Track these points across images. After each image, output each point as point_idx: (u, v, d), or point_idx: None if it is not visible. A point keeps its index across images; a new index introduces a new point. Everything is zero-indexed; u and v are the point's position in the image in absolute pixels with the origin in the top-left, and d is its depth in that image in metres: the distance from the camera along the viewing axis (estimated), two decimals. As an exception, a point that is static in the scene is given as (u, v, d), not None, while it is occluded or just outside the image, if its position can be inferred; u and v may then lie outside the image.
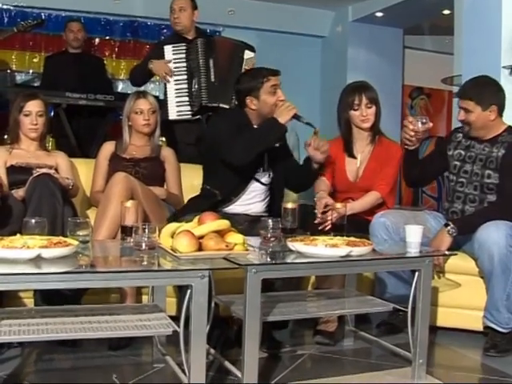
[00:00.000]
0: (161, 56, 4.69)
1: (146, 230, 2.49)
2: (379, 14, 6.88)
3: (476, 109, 3.36)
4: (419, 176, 3.70)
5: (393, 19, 6.95)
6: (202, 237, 2.51)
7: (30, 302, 3.18)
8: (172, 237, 2.58)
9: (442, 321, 3.48)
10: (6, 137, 4.75)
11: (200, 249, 2.48)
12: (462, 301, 3.44)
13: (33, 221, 2.58)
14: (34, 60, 6.53)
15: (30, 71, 6.55)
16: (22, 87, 5.67)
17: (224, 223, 2.61)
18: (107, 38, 6.77)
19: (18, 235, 2.47)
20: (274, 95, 3.49)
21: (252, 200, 3.62)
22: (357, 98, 3.69)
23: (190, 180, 4.09)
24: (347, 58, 7.05)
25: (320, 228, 3.42)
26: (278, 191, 3.71)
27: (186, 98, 4.63)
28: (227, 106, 4.49)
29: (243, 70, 4.57)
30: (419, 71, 7.54)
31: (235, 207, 3.60)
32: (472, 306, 3.40)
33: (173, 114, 4.64)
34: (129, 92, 6.06)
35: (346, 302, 3.06)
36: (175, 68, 4.64)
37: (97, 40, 6.71)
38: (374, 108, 3.71)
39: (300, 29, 7.26)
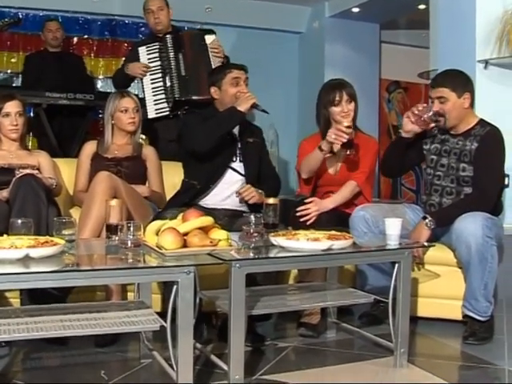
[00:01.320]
0: (137, 58, 4.81)
1: (131, 228, 2.53)
2: (356, 10, 6.91)
3: (451, 96, 3.42)
4: (397, 166, 3.77)
5: (369, 14, 6.97)
6: (186, 234, 2.55)
7: (16, 301, 3.20)
8: (157, 234, 2.62)
9: (422, 311, 3.55)
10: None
11: (185, 245, 2.52)
12: (441, 291, 3.52)
13: (19, 221, 2.61)
14: (12, 60, 6.48)
15: (9, 71, 6.51)
16: (1, 88, 5.67)
17: (208, 220, 2.66)
18: (85, 36, 6.74)
19: (5, 236, 2.50)
20: (236, 87, 3.73)
21: (229, 190, 3.73)
22: (337, 95, 3.73)
23: (172, 177, 4.14)
24: (324, 53, 7.05)
25: (302, 220, 3.49)
26: (253, 185, 3.77)
27: (163, 96, 4.73)
28: (200, 97, 4.56)
29: (211, 56, 4.69)
30: (396, 65, 7.60)
31: (213, 198, 3.72)
32: (451, 296, 3.48)
33: (151, 113, 4.73)
34: (108, 90, 6.13)
35: (328, 295, 3.10)
36: (150, 68, 4.72)
37: (75, 39, 6.67)
38: (353, 104, 3.77)
39: (277, 25, 7.25)
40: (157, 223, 2.72)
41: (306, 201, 3.60)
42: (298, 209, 3.55)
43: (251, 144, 3.85)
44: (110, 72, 6.62)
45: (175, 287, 2.32)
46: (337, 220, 3.47)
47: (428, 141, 3.66)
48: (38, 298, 2.94)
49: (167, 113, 4.72)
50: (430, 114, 3.42)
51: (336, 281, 3.30)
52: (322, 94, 3.82)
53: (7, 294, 3.22)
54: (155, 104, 4.73)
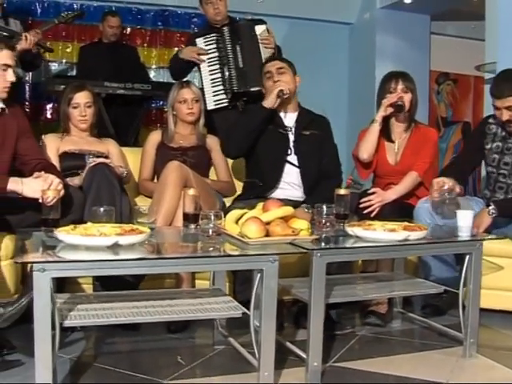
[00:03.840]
0: None
1: (212, 217, 2.58)
2: (407, 1, 6.82)
3: None
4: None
5: (420, 5, 6.92)
6: (268, 223, 2.59)
7: (88, 287, 3.28)
8: (236, 223, 2.68)
9: (485, 303, 3.49)
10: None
11: (267, 234, 2.56)
12: (505, 283, 3.53)
13: (101, 209, 2.66)
14: (67, 50, 6.56)
15: (64, 61, 6.58)
16: (59, 78, 5.76)
17: (289, 210, 2.70)
18: (138, 27, 6.80)
19: (90, 223, 2.56)
20: (269, 80, 3.80)
21: (290, 185, 3.73)
22: (393, 83, 3.80)
23: (235, 166, 4.18)
24: (375, 45, 7.01)
25: (365, 212, 3.53)
26: (310, 177, 3.76)
27: (221, 87, 4.71)
28: (257, 89, 4.57)
29: (261, 47, 4.69)
30: (445, 57, 7.54)
31: (277, 194, 3.71)
32: (514, 289, 3.49)
33: (210, 104, 4.69)
34: (161, 80, 6.19)
35: (397, 285, 3.15)
36: (208, 58, 4.74)
37: (128, 29, 6.73)
38: (409, 94, 3.80)
39: (328, 16, 7.20)
40: (236, 212, 2.76)
41: (369, 191, 3.64)
42: (362, 200, 3.59)
43: (306, 136, 3.78)
44: (162, 62, 6.71)
45: (259, 275, 2.37)
46: (399, 211, 3.50)
47: (489, 140, 3.67)
48: (110, 285, 3.01)
49: (226, 104, 4.74)
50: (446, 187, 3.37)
51: (403, 271, 3.33)
52: (382, 83, 3.90)
53: (80, 280, 3.30)
54: (214, 95, 4.73)
